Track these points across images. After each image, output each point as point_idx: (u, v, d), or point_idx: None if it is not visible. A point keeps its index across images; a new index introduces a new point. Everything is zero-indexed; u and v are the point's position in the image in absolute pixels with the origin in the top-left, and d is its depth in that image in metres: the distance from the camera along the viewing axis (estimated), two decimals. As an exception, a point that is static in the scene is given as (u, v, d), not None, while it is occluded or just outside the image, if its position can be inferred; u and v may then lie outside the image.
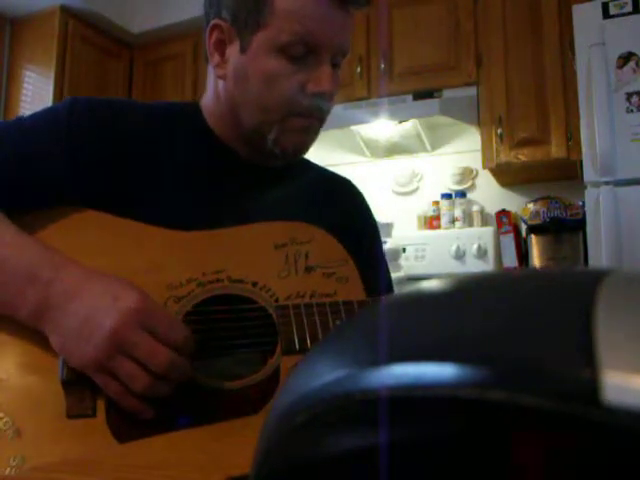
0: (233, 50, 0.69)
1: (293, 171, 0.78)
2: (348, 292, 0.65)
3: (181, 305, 0.59)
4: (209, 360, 0.60)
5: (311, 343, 0.59)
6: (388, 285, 0.85)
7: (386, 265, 0.88)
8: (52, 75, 2.61)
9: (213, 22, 0.70)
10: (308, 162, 0.85)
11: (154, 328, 0.53)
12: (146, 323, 0.52)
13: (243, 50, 0.67)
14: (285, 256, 0.64)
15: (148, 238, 0.62)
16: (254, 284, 0.62)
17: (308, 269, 0.65)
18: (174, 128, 0.72)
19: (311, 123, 0.70)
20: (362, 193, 0.89)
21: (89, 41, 2.78)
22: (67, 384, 0.54)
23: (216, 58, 0.71)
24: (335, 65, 0.70)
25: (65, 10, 2.65)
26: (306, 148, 0.73)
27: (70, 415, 0.54)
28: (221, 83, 0.72)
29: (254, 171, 0.74)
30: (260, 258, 0.64)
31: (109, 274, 0.56)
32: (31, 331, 0.55)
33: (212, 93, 0.75)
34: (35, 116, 0.68)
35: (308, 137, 0.72)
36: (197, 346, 0.57)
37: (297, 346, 0.59)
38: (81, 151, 0.65)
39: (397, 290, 1.22)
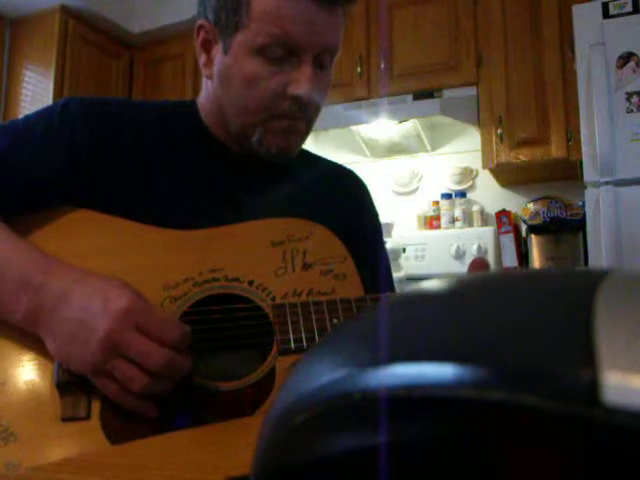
0: (217, 51, 0.69)
1: (293, 165, 0.77)
2: (346, 289, 0.65)
3: (177, 305, 0.59)
4: (206, 360, 0.60)
5: (307, 343, 0.59)
6: (389, 280, 0.85)
7: (387, 259, 0.87)
8: (52, 75, 2.61)
9: (199, 22, 0.70)
10: (310, 154, 0.84)
11: (147, 328, 0.52)
12: (139, 323, 0.52)
13: (225, 51, 0.67)
14: (282, 253, 0.64)
15: (145, 238, 0.62)
16: (250, 283, 0.62)
17: (305, 266, 0.64)
18: (170, 127, 0.72)
19: (294, 125, 0.69)
20: (365, 184, 0.88)
21: (89, 41, 2.78)
22: (62, 387, 0.54)
23: (203, 58, 0.71)
24: (323, 64, 0.68)
25: (65, 10, 2.65)
26: (292, 149, 0.72)
27: (64, 418, 0.54)
28: (209, 83, 0.72)
29: (251, 168, 0.74)
30: (257, 256, 0.63)
31: (101, 274, 0.56)
32: (26, 335, 0.55)
33: (205, 92, 0.75)
34: (29, 118, 0.68)
35: (293, 138, 0.70)
36: (194, 346, 0.57)
37: (293, 346, 0.59)
38: (76, 151, 0.65)
39: (397, 290, 1.22)
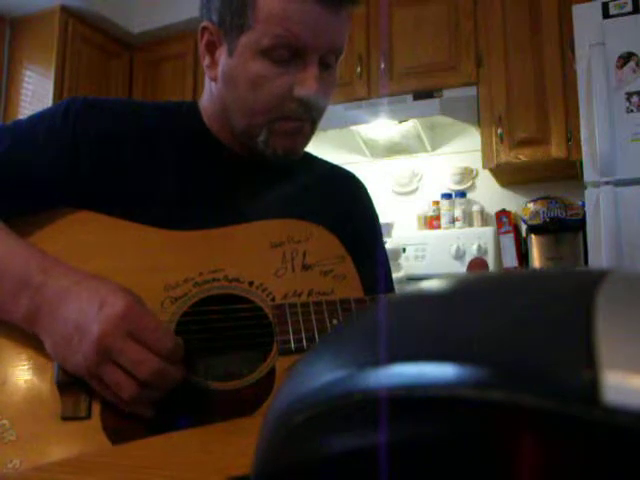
0: (222, 52, 0.69)
1: (294, 167, 0.77)
2: (345, 290, 0.65)
3: (177, 305, 0.59)
4: (206, 360, 0.60)
5: (307, 343, 0.59)
6: (388, 281, 0.85)
7: (387, 260, 0.87)
8: (52, 75, 2.61)
9: (203, 24, 0.70)
10: (310, 156, 0.84)
11: (140, 335, 0.52)
12: (132, 330, 0.52)
13: (230, 53, 0.67)
14: (282, 254, 0.64)
15: (146, 239, 0.62)
16: (250, 283, 0.62)
17: (305, 267, 0.64)
18: (172, 128, 0.72)
19: (300, 126, 0.69)
20: (365, 186, 0.88)
21: (89, 41, 2.78)
22: (62, 386, 0.54)
23: (207, 60, 0.71)
24: (328, 65, 0.68)
25: (65, 10, 2.65)
26: (297, 150, 0.72)
27: (65, 417, 0.54)
28: (213, 84, 0.72)
29: (252, 169, 0.74)
30: (257, 257, 0.63)
31: (100, 276, 0.56)
32: (27, 334, 0.55)
33: (208, 93, 0.75)
34: (32, 118, 0.68)
35: (298, 139, 0.71)
36: (194, 346, 0.56)
37: (293, 346, 0.59)
38: (79, 152, 0.65)
39: (397, 290, 1.22)
